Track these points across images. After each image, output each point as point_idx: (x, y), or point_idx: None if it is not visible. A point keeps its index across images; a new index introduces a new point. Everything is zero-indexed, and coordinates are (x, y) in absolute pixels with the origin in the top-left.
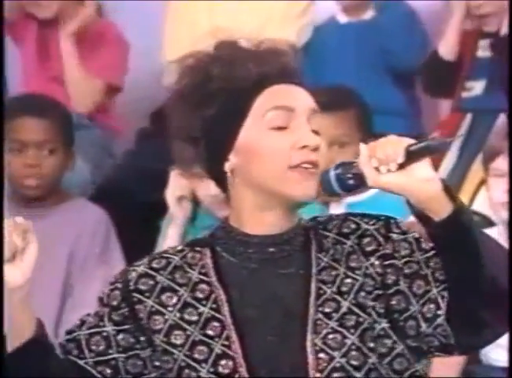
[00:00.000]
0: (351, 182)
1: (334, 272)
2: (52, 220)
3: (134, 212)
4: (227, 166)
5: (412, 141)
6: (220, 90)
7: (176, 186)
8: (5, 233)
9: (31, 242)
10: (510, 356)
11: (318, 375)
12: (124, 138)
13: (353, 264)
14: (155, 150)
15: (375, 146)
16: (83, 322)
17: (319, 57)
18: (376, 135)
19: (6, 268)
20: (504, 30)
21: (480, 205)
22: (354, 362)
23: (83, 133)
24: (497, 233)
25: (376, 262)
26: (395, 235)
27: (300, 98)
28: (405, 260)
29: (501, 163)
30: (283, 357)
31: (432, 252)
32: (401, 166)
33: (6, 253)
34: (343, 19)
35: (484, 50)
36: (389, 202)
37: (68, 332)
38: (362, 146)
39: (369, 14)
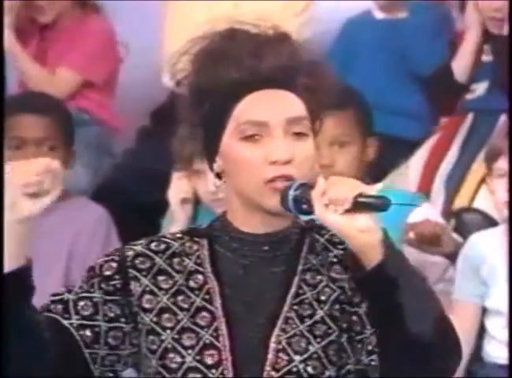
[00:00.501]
0: (305, 206)
1: (319, 277)
2: (52, 218)
3: (134, 210)
4: (215, 167)
5: (368, 189)
6: (208, 91)
7: (180, 188)
8: (36, 170)
9: (56, 189)
10: (511, 355)
11: (273, 373)
12: (124, 136)
13: (333, 275)
14: (155, 148)
15: (330, 185)
16: (70, 289)
17: (350, 49)
18: (376, 134)
19: (26, 199)
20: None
21: (481, 204)
22: (311, 370)
23: (83, 131)
24: (501, 232)
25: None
26: None
27: (277, 109)
28: None
29: (504, 163)
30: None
31: None
32: (347, 211)
33: (31, 189)
34: (378, 15)
35: (488, 54)
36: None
37: (54, 295)
38: (320, 180)
39: (403, 14)
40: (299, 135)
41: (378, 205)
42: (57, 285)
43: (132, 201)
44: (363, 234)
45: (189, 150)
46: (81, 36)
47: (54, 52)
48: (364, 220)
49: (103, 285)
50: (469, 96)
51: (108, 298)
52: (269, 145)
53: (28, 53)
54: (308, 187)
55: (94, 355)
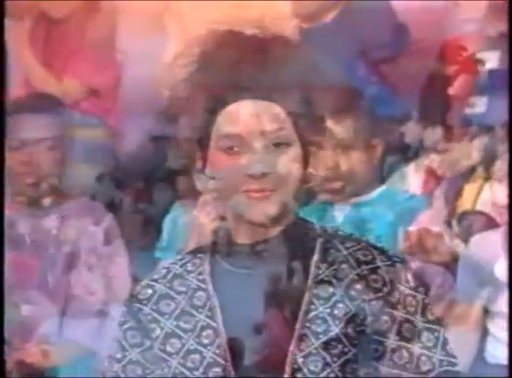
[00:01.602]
0: None
1: (331, 289)
2: (54, 218)
3: (136, 212)
4: (206, 173)
5: None
6: (197, 98)
7: (208, 218)
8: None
9: None
10: (510, 354)
11: None
12: (127, 138)
13: (353, 293)
14: (158, 150)
15: None
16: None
17: None
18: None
19: None
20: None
21: (484, 205)
22: None
23: (87, 133)
24: (502, 234)
25: (374, 302)
26: (403, 288)
27: (253, 122)
28: (404, 317)
29: (501, 166)
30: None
31: (432, 326)
32: None
33: None
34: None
35: (482, 65)
36: (393, 202)
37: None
38: None
39: (329, 17)
40: (280, 146)
41: None
42: (57, 285)
43: (134, 202)
44: None
45: (192, 145)
46: (86, 40)
47: (61, 53)
48: None
49: (128, 335)
50: (468, 110)
51: (139, 349)
52: (246, 158)
53: (36, 52)
54: None
55: None
